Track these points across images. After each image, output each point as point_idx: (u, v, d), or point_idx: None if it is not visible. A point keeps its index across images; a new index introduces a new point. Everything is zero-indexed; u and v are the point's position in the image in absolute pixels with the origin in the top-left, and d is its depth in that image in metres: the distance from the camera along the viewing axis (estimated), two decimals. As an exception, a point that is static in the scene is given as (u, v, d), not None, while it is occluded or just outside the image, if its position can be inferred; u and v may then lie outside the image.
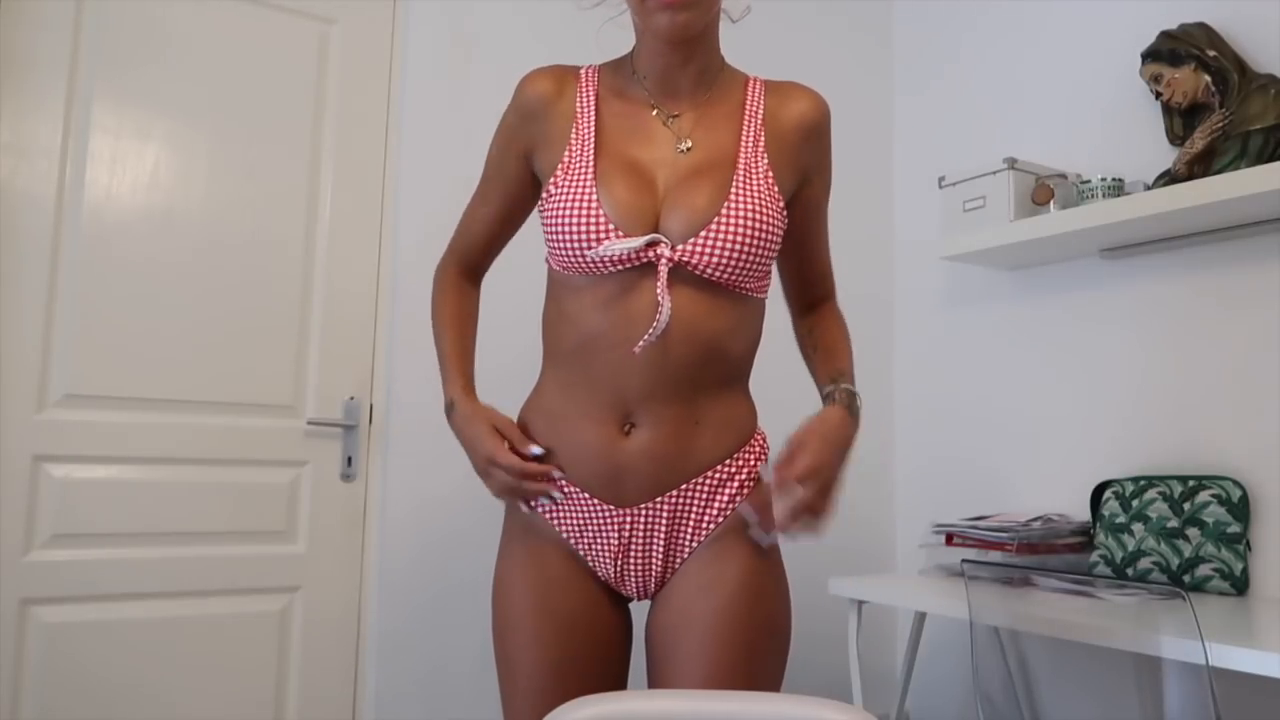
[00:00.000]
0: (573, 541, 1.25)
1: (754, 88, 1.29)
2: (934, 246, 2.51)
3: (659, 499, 1.21)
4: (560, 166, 1.24)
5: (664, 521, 1.21)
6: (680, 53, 1.25)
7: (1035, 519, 2.23)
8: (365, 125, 2.26)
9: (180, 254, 2.04)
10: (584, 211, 1.17)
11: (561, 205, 1.20)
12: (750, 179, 1.19)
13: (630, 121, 1.26)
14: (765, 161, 1.22)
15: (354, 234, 2.22)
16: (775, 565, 1.24)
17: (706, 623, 1.15)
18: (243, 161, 2.11)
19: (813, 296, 1.41)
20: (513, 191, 1.43)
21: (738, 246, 1.15)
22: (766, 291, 1.26)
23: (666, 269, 1.15)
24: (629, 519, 1.21)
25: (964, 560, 1.82)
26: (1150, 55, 2.13)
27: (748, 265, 1.16)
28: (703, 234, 1.15)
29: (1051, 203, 2.25)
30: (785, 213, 1.22)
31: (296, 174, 2.17)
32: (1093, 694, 2.27)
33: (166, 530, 1.97)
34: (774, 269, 1.31)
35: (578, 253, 1.19)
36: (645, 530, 1.21)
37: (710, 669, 1.11)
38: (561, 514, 1.25)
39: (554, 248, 1.24)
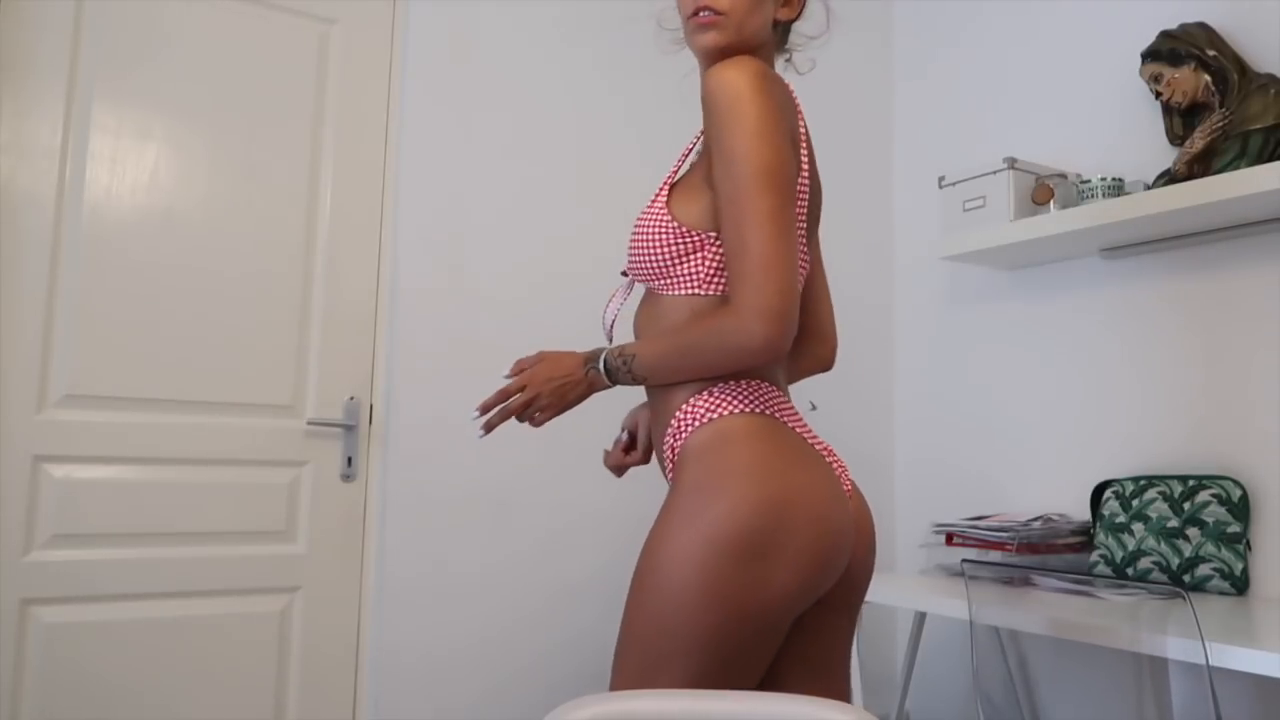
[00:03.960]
0: None
1: None
2: (934, 246, 2.52)
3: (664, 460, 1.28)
4: None
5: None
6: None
7: (1035, 519, 2.23)
8: (365, 125, 2.26)
9: (180, 254, 2.04)
10: None
11: None
12: (655, 192, 1.29)
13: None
14: (680, 169, 1.33)
15: (354, 234, 2.22)
16: (663, 541, 1.15)
17: None
18: (243, 161, 2.11)
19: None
20: None
21: (631, 252, 1.28)
22: (680, 289, 1.24)
23: (627, 279, 1.36)
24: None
25: (964, 560, 1.82)
26: (1150, 55, 2.13)
27: (640, 267, 1.26)
28: (628, 247, 1.30)
29: (1051, 202, 2.25)
30: (668, 213, 1.23)
31: (296, 174, 2.17)
32: (1093, 694, 2.27)
33: (166, 530, 1.97)
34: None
35: None
36: None
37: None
38: None
39: None
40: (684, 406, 1.21)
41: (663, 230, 1.24)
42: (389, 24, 2.31)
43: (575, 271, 2.43)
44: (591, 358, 1.28)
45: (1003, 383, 2.57)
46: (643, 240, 1.25)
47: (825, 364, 1.49)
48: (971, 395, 2.65)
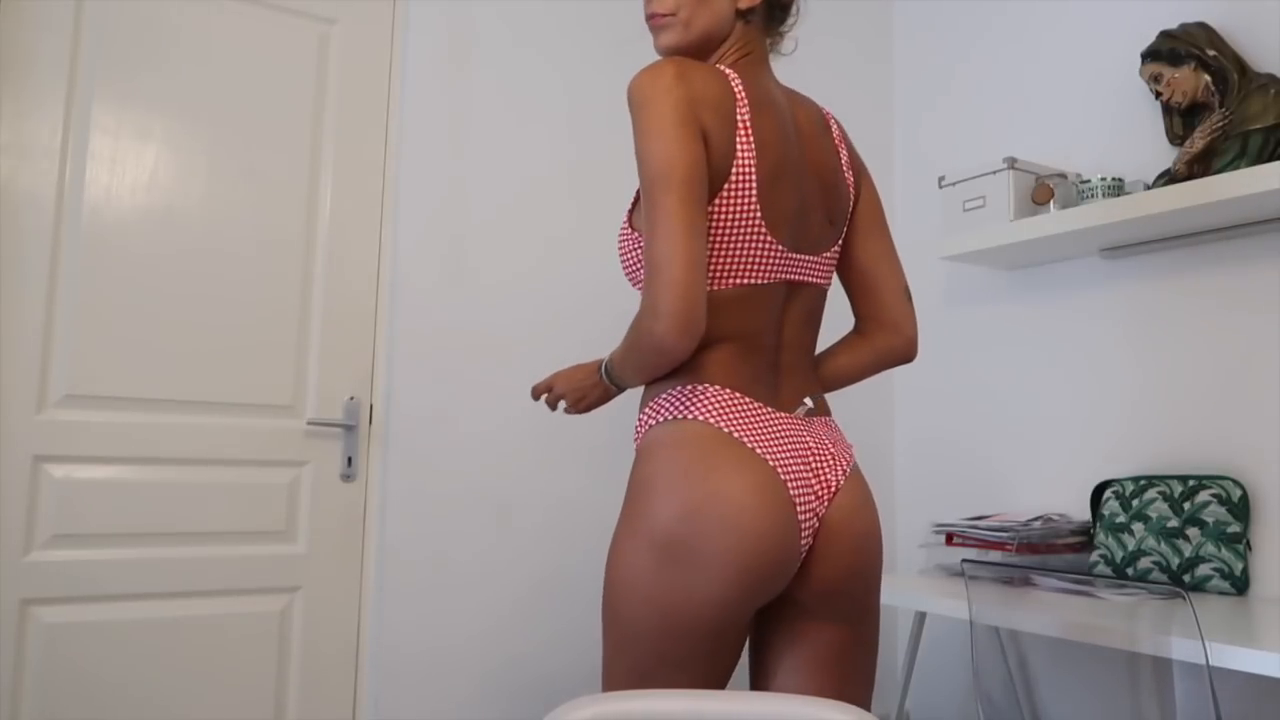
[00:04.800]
0: None
1: None
2: (934, 246, 2.52)
3: None
4: None
5: None
6: None
7: (1035, 519, 2.23)
8: (365, 125, 2.26)
9: (180, 254, 2.04)
10: None
11: None
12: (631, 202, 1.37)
13: None
14: None
15: (354, 234, 2.22)
16: (616, 528, 1.23)
17: None
18: (243, 161, 2.11)
19: None
20: None
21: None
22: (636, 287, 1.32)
23: None
24: None
25: (964, 560, 1.82)
26: (1150, 55, 2.13)
27: (626, 276, 1.34)
28: None
29: (1051, 202, 2.25)
30: (627, 227, 1.30)
31: (296, 174, 2.17)
32: (1093, 694, 2.27)
33: (166, 530, 1.97)
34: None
35: None
36: None
37: None
38: None
39: None
40: (640, 415, 1.28)
41: (627, 240, 1.30)
42: (389, 24, 2.31)
43: (575, 271, 2.43)
44: (602, 364, 1.37)
45: (1003, 383, 2.57)
46: (619, 253, 1.34)
47: (899, 356, 1.42)
48: (971, 395, 2.65)
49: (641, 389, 1.32)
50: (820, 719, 0.87)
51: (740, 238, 1.21)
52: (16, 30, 1.91)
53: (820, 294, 1.34)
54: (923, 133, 2.88)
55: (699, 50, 1.31)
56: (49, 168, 1.93)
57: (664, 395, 1.24)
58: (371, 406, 2.20)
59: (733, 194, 1.20)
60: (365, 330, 2.22)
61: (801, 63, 1.46)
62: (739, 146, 1.20)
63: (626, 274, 1.33)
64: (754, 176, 1.21)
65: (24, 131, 1.91)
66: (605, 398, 1.41)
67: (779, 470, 1.18)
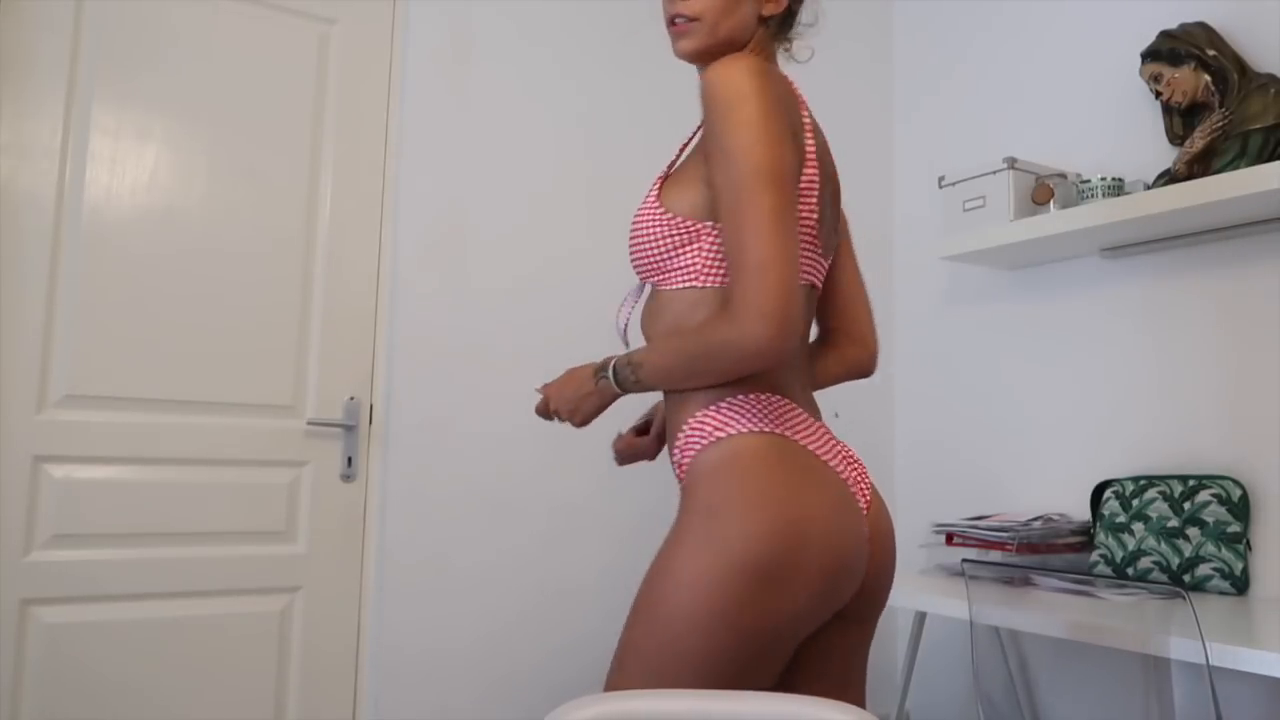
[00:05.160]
0: None
1: None
2: (934, 246, 2.52)
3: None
4: None
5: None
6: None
7: (1035, 519, 2.23)
8: (365, 125, 2.26)
9: (180, 254, 2.04)
10: None
11: None
12: (649, 186, 1.31)
13: None
14: (673, 161, 1.33)
15: (354, 234, 2.22)
16: (673, 556, 1.13)
17: None
18: (243, 162, 2.11)
19: None
20: None
21: (629, 247, 1.28)
22: (677, 282, 1.23)
23: (638, 282, 1.33)
24: None
25: (964, 560, 1.82)
26: (1150, 55, 2.13)
27: (637, 261, 1.27)
28: None
29: (1051, 202, 2.25)
30: (661, 209, 1.23)
31: (296, 174, 2.17)
32: (1092, 694, 2.27)
33: (166, 530, 1.97)
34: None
35: None
36: None
37: None
38: None
39: None
40: (692, 420, 1.20)
41: (657, 222, 1.23)
42: (389, 24, 2.31)
43: (575, 271, 2.43)
44: (601, 367, 1.27)
45: (1003, 383, 2.57)
46: (639, 235, 1.25)
47: (863, 369, 1.43)
48: (971, 395, 2.65)
49: (657, 394, 1.27)
50: (820, 719, 0.87)
51: (801, 240, 1.21)
52: (16, 30, 1.91)
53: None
54: (923, 133, 2.88)
55: (715, 57, 1.25)
56: (49, 168, 1.93)
57: (725, 404, 1.18)
58: (371, 407, 2.20)
59: (803, 196, 1.20)
60: (365, 330, 2.22)
61: (800, 62, 1.46)
62: (807, 150, 1.21)
63: (644, 258, 1.25)
64: (817, 180, 1.22)
65: (24, 131, 1.91)
66: (603, 406, 1.30)
67: (848, 482, 1.19)
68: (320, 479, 2.14)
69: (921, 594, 2.04)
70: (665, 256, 1.23)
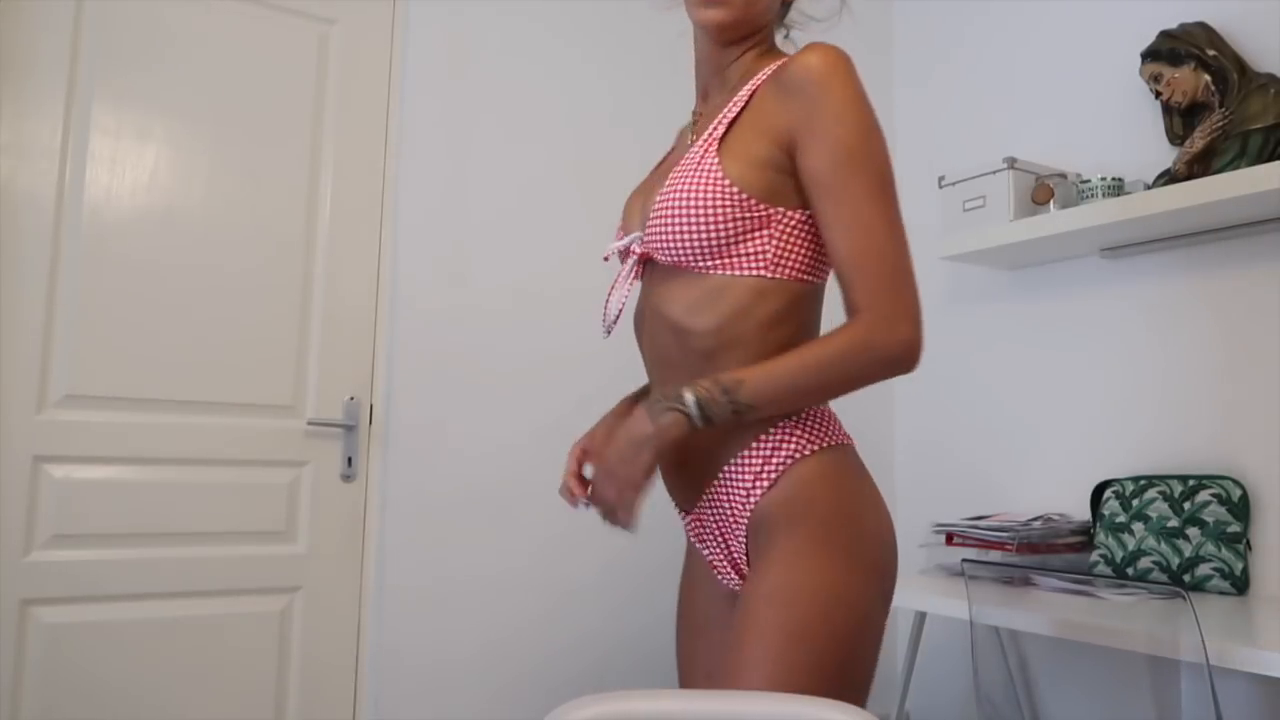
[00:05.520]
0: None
1: (770, 68, 1.19)
2: (934, 246, 2.52)
3: (701, 501, 1.19)
4: None
5: (714, 524, 1.19)
6: (719, 53, 1.24)
7: (1035, 519, 2.23)
8: (365, 125, 2.26)
9: (180, 254, 2.04)
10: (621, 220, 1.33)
11: None
12: (694, 157, 1.16)
13: (684, 134, 1.34)
14: (720, 132, 1.16)
15: (354, 234, 2.22)
16: (817, 573, 1.08)
17: (735, 636, 1.08)
18: (243, 162, 2.11)
19: (846, 304, 1.18)
20: None
21: (670, 228, 1.13)
22: (741, 269, 1.13)
23: (632, 260, 1.22)
24: (691, 525, 1.23)
25: (964, 560, 1.82)
26: (1150, 55, 2.13)
27: (684, 244, 1.12)
28: (650, 223, 1.18)
29: (1051, 202, 2.25)
30: (726, 184, 1.11)
31: (296, 174, 2.17)
32: (1092, 694, 2.27)
33: (166, 530, 1.97)
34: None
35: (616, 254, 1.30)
36: (705, 535, 1.21)
37: (719, 668, 1.12)
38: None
39: None
40: (766, 438, 1.12)
41: (727, 200, 1.11)
42: (389, 24, 2.31)
43: (574, 271, 2.43)
44: (669, 401, 1.08)
45: (1002, 383, 2.57)
46: (701, 209, 1.11)
47: None
48: (971, 395, 2.65)
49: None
50: (820, 718, 0.87)
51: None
52: (16, 30, 1.91)
53: None
54: (923, 133, 2.88)
55: (741, 33, 1.20)
56: (49, 168, 1.93)
57: (812, 415, 1.16)
58: (371, 407, 2.20)
59: None
60: (365, 330, 2.22)
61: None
62: None
63: (703, 238, 1.11)
64: None
65: (24, 131, 1.91)
66: (664, 453, 1.09)
67: None
68: (320, 479, 2.14)
69: (921, 594, 2.04)
70: (731, 239, 1.12)
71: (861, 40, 2.97)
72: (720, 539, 1.19)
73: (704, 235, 1.12)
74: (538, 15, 2.46)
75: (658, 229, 1.15)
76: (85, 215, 1.95)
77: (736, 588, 1.21)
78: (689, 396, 1.07)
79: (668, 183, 1.17)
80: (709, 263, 1.14)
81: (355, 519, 2.18)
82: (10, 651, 1.82)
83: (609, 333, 1.26)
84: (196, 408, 2.02)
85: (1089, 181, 2.17)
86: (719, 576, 1.23)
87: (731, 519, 1.16)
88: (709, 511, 1.19)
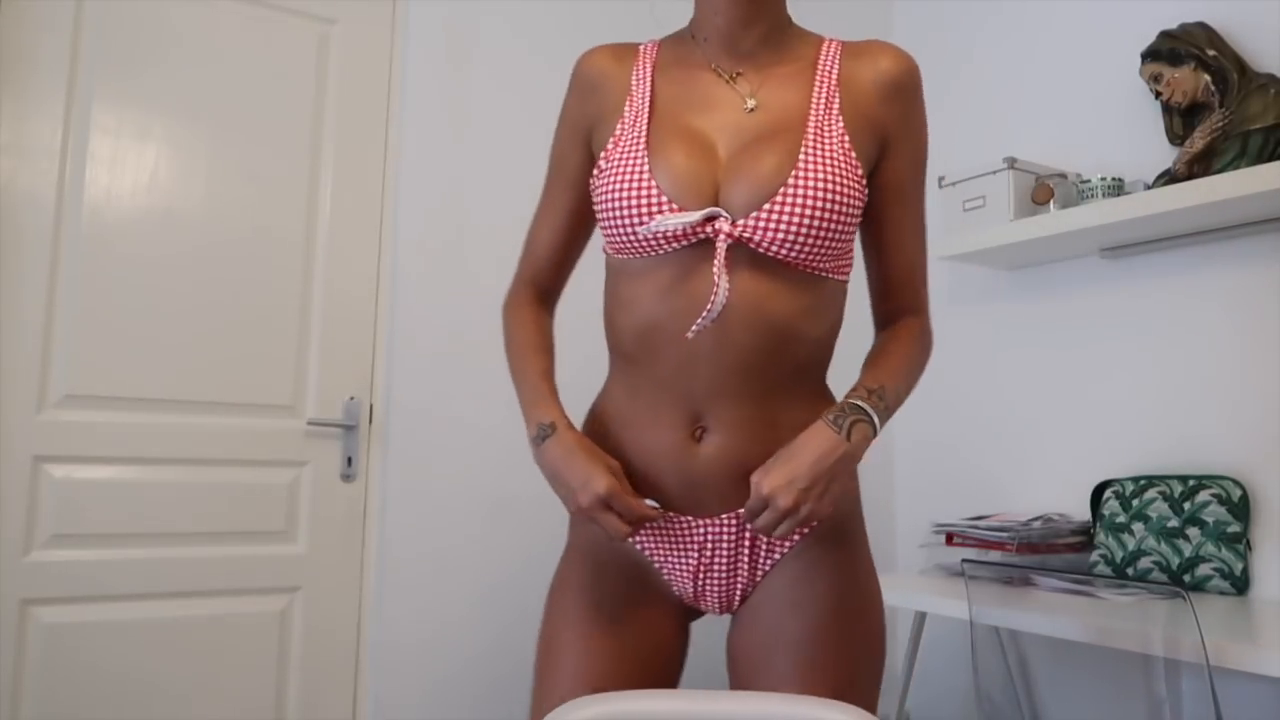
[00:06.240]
0: (650, 556, 1.15)
1: (829, 47, 1.16)
2: (934, 246, 2.51)
3: (739, 510, 1.09)
4: (612, 139, 1.12)
5: (747, 533, 1.11)
6: (746, 7, 1.12)
7: (1035, 519, 2.23)
8: (365, 125, 2.26)
9: (180, 254, 2.04)
10: (635, 183, 1.04)
11: (611, 178, 1.07)
12: (823, 141, 1.05)
13: (690, 87, 1.13)
14: (840, 124, 1.07)
15: (354, 234, 2.22)
16: (870, 579, 1.12)
17: (800, 645, 1.06)
18: (243, 162, 2.11)
19: (892, 307, 1.20)
20: (581, 189, 1.23)
21: (808, 220, 1.01)
22: (847, 274, 1.11)
23: (725, 245, 1.02)
24: (709, 531, 1.11)
25: (964, 560, 1.82)
26: (1150, 55, 2.13)
27: (819, 242, 1.02)
28: (767, 206, 1.01)
29: (1051, 202, 2.25)
30: (864, 182, 1.06)
31: (296, 174, 2.17)
32: (1092, 694, 2.27)
33: (166, 530, 1.97)
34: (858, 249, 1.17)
35: (629, 230, 1.05)
36: (728, 543, 1.11)
37: (807, 693, 1.04)
38: (643, 531, 1.14)
39: (606, 227, 1.10)
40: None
41: (860, 191, 1.05)
42: (389, 24, 2.31)
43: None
44: (851, 414, 1.03)
45: (1002, 383, 2.57)
46: (841, 194, 1.02)
47: None
48: (971, 395, 2.65)
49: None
50: (820, 718, 0.87)
51: None
52: (16, 30, 1.91)
53: None
54: (923, 133, 2.88)
55: (771, 11, 1.14)
56: (49, 168, 1.93)
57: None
58: (371, 406, 2.20)
59: None
60: (365, 330, 2.22)
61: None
62: None
63: (836, 230, 1.03)
64: None
65: (24, 131, 1.91)
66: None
67: None
68: (320, 479, 2.14)
69: (921, 594, 2.04)
70: (849, 236, 1.06)
71: (861, 40, 2.97)
72: (749, 550, 1.11)
73: (836, 235, 1.03)
74: (537, 14, 2.46)
75: (781, 217, 1.00)
76: (85, 215, 1.95)
77: (684, 597, 1.16)
78: (865, 406, 1.05)
79: (801, 164, 1.02)
80: (827, 263, 1.06)
81: (355, 519, 2.18)
82: (10, 651, 1.82)
83: (698, 327, 1.04)
84: (196, 408, 2.02)
85: (1089, 181, 2.17)
86: (671, 585, 1.15)
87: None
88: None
